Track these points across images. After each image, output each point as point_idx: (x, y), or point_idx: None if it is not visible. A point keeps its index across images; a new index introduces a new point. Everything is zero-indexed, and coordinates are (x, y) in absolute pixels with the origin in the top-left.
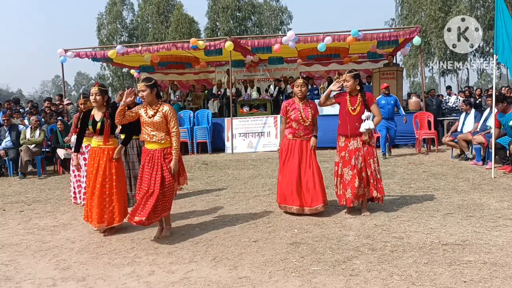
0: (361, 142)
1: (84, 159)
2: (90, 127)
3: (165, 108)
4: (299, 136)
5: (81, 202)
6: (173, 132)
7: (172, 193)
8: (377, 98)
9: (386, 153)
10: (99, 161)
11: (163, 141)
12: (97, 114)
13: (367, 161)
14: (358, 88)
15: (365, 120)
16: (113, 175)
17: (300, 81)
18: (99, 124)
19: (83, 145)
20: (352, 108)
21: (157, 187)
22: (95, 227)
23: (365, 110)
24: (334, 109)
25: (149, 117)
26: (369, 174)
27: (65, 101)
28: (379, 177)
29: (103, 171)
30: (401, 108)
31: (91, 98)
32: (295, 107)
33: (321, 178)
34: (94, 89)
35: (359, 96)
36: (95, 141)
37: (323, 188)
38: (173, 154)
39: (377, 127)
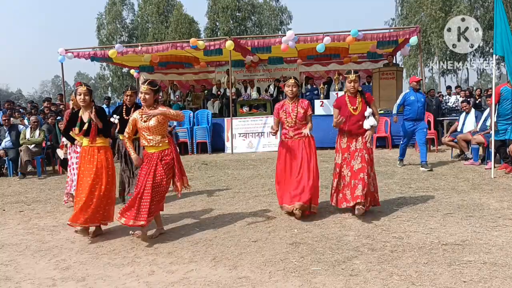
0: (362, 144)
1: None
2: (76, 128)
3: (159, 109)
4: (289, 137)
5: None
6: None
7: (162, 192)
8: (404, 93)
9: (404, 160)
10: (90, 159)
11: (160, 145)
12: (84, 115)
13: (366, 164)
14: (360, 88)
15: (368, 117)
16: (104, 175)
17: (291, 81)
18: (86, 125)
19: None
20: (354, 108)
21: (148, 187)
22: (82, 225)
23: (367, 107)
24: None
25: (144, 122)
26: (366, 177)
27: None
28: (372, 182)
29: (96, 170)
30: (424, 113)
31: (79, 98)
32: (285, 108)
33: (313, 179)
34: (82, 89)
35: (358, 96)
36: (86, 140)
37: (314, 188)
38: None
39: (402, 131)
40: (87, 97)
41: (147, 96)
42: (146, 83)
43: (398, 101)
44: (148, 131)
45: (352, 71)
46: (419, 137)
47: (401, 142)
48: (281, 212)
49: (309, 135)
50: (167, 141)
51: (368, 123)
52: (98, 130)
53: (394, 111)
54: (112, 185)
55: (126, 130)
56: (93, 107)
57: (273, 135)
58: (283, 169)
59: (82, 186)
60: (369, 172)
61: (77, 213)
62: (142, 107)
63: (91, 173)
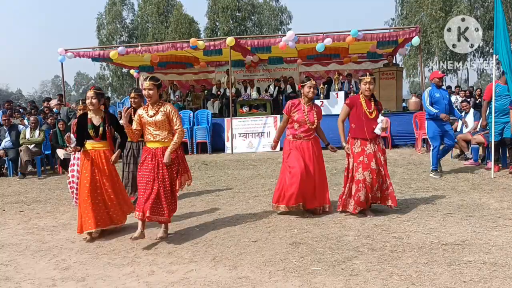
0: (376, 146)
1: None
2: (90, 130)
3: (167, 107)
4: (299, 137)
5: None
6: (177, 128)
7: (175, 188)
8: (428, 90)
9: (438, 169)
10: (94, 162)
11: (166, 140)
12: (94, 118)
13: (383, 166)
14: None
15: (380, 123)
16: (113, 176)
17: (312, 82)
18: (101, 129)
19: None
20: (370, 111)
21: (167, 185)
22: (100, 227)
23: (379, 114)
24: (334, 109)
25: (151, 117)
26: (381, 180)
27: (53, 102)
28: (389, 182)
29: (102, 173)
30: (455, 108)
31: (87, 101)
32: (300, 108)
33: (324, 182)
34: (90, 93)
35: (372, 99)
36: (89, 144)
37: (324, 191)
38: (170, 145)
39: (430, 134)
40: (94, 100)
41: (151, 92)
42: (148, 79)
43: (427, 101)
44: (154, 126)
45: (368, 73)
46: (450, 140)
47: (432, 148)
48: (281, 212)
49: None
50: (171, 138)
51: (379, 127)
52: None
53: (433, 110)
54: (120, 184)
55: (135, 127)
56: (104, 112)
57: (273, 148)
58: (303, 168)
59: (96, 190)
60: (386, 174)
61: (99, 217)
62: (147, 104)
63: (104, 177)
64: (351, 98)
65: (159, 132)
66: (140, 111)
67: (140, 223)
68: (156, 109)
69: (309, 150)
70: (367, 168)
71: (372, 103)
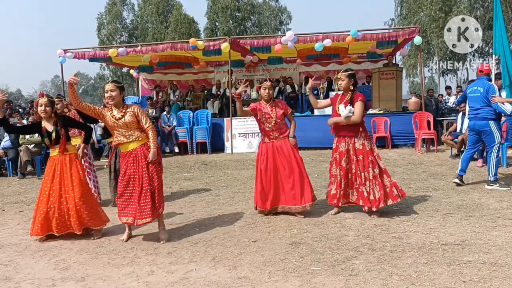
0: (351, 145)
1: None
2: (46, 139)
3: (134, 107)
4: (274, 137)
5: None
6: (147, 127)
7: (162, 187)
8: (496, 87)
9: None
10: (60, 168)
11: (140, 138)
12: (48, 125)
13: (361, 165)
14: (352, 88)
15: (345, 108)
16: (74, 181)
17: (268, 83)
18: (54, 134)
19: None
20: (339, 107)
21: (145, 184)
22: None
23: (349, 105)
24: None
25: (119, 119)
26: (357, 179)
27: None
28: (372, 185)
29: (66, 178)
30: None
31: (40, 109)
32: (261, 108)
33: (303, 178)
34: (43, 100)
35: (348, 95)
36: (55, 150)
37: (306, 188)
38: (152, 145)
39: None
40: (48, 108)
41: (113, 94)
42: (110, 82)
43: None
44: (126, 127)
45: (343, 70)
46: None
47: (495, 153)
48: (281, 212)
49: (294, 141)
50: (145, 135)
51: (344, 113)
52: (67, 138)
53: None
54: (88, 189)
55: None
56: (57, 117)
57: (235, 97)
58: (272, 171)
59: (52, 196)
60: (360, 174)
61: (48, 223)
62: (109, 107)
63: (60, 183)
64: (336, 95)
65: (131, 132)
66: (106, 112)
67: (127, 226)
68: (123, 111)
69: (287, 149)
70: (338, 165)
71: (348, 97)
